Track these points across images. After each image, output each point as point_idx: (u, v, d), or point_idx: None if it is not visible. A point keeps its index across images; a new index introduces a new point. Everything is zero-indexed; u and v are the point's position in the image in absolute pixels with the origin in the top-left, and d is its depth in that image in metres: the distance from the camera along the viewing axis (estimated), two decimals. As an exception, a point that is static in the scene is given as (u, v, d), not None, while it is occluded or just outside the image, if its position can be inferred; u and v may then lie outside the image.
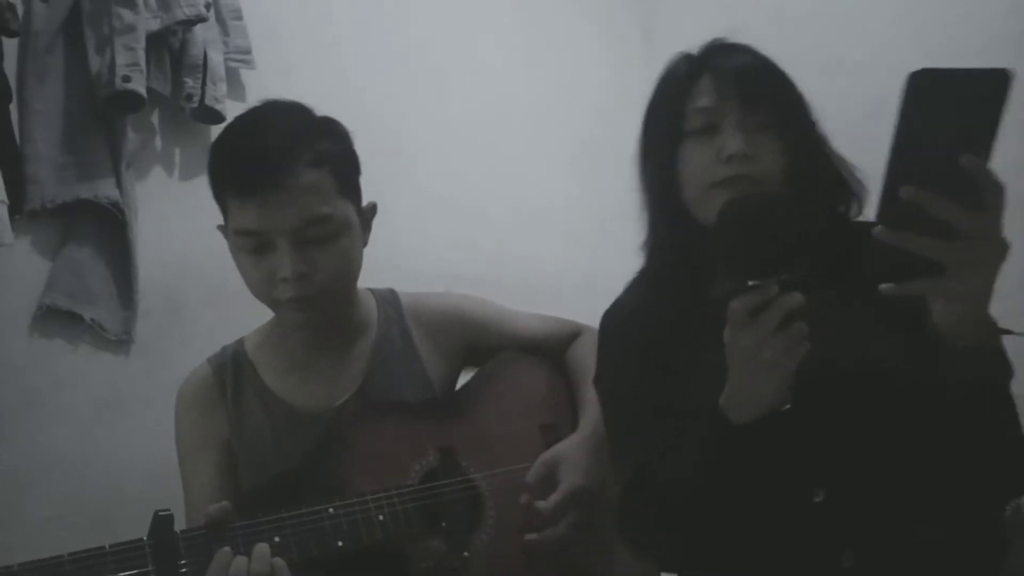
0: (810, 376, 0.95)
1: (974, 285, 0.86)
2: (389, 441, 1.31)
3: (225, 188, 1.27)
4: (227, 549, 1.10)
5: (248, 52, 2.08)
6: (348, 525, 1.19)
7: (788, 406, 0.96)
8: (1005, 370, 0.97)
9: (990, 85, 0.81)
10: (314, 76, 2.14)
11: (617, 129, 2.68)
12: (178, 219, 1.99)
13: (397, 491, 1.25)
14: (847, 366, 1.04)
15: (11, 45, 1.79)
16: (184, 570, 1.08)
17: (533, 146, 2.57)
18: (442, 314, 1.47)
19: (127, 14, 1.82)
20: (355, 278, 1.35)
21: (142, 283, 1.91)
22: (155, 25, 1.87)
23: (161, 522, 1.09)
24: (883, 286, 0.87)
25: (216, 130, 2.03)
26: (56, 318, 1.84)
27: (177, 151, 2.04)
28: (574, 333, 1.56)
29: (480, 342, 1.49)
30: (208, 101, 1.96)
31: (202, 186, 2.01)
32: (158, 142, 2.02)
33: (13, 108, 1.79)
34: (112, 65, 1.80)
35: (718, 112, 1.10)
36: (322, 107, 1.35)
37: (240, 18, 2.07)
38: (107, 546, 1.06)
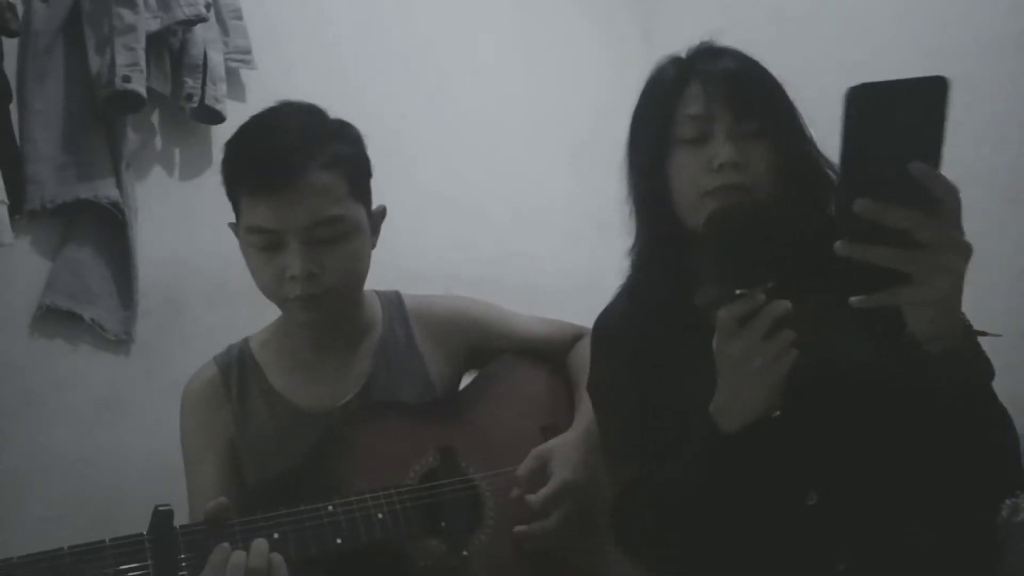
0: (801, 380, 0.96)
1: (940, 290, 0.86)
2: (389, 441, 1.32)
3: (239, 186, 1.28)
4: (225, 545, 1.11)
5: (248, 52, 2.08)
6: (347, 523, 1.20)
7: (778, 412, 0.97)
8: (985, 370, 0.97)
9: (929, 93, 0.82)
10: (314, 76, 2.14)
11: (617, 129, 2.68)
12: (178, 219, 1.99)
13: (396, 490, 1.26)
14: (837, 370, 1.04)
15: (11, 45, 1.79)
16: (183, 565, 1.09)
17: (533, 146, 2.58)
18: (445, 316, 1.49)
19: (127, 14, 1.82)
20: (362, 279, 1.36)
21: (142, 283, 1.91)
22: (155, 25, 1.87)
23: (161, 517, 1.10)
24: (852, 299, 0.88)
25: (217, 130, 2.03)
26: (56, 318, 1.84)
27: (177, 151, 2.04)
28: (576, 336, 1.57)
29: (483, 344, 1.50)
30: (208, 101, 1.96)
31: (202, 186, 2.04)
32: (158, 142, 2.02)
33: (13, 108, 1.79)
34: (112, 65, 1.80)
35: (708, 120, 1.11)
36: (322, 107, 1.35)
37: (240, 18, 2.07)
38: (107, 540, 1.07)
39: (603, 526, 1.43)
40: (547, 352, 1.54)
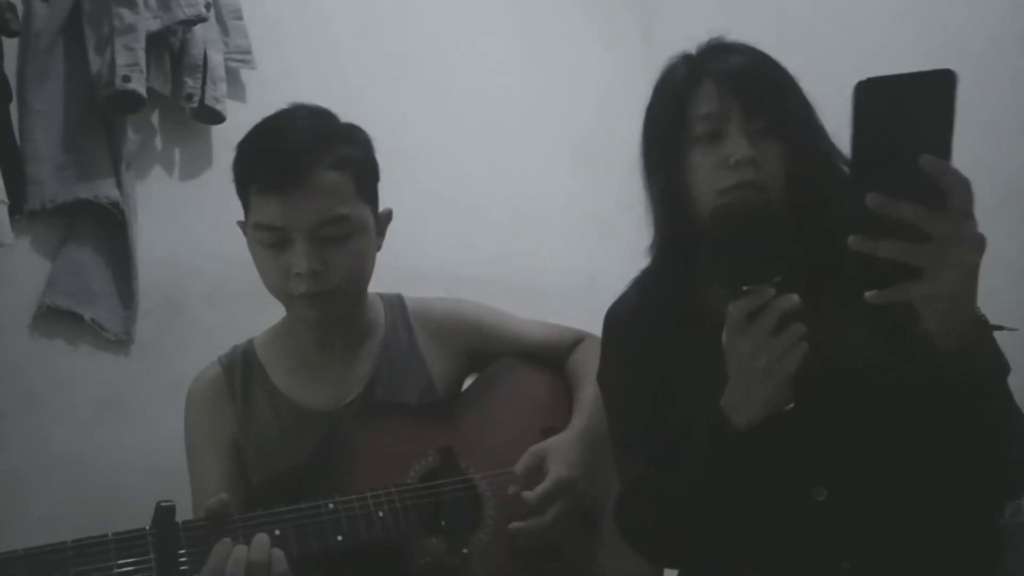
0: (812, 375, 0.96)
1: (953, 284, 0.86)
2: (390, 441, 1.33)
3: (249, 183, 1.30)
4: (227, 540, 1.12)
5: (248, 52, 2.08)
6: (347, 521, 1.21)
7: (791, 406, 0.97)
8: (1001, 366, 0.97)
9: (937, 86, 0.82)
10: (314, 76, 2.14)
11: (617, 129, 2.68)
12: (178, 219, 1.99)
13: (396, 489, 1.27)
14: (848, 365, 1.04)
15: (11, 45, 1.79)
16: (184, 560, 1.10)
17: (533, 146, 2.58)
18: (447, 319, 1.50)
19: (127, 14, 1.82)
20: (367, 279, 1.38)
21: (142, 283, 1.91)
22: (155, 25, 1.87)
23: (163, 513, 1.11)
24: (866, 294, 0.87)
25: (217, 130, 2.03)
26: (56, 318, 1.84)
27: (177, 151, 2.04)
28: (576, 340, 1.58)
29: (484, 347, 1.51)
30: (208, 101, 1.96)
31: (202, 186, 2.04)
32: (158, 142, 2.02)
33: (13, 108, 1.79)
34: (112, 65, 1.80)
35: (721, 118, 1.10)
36: (331, 110, 1.36)
37: (240, 18, 2.07)
38: (110, 534, 1.08)
39: (601, 523, 1.43)
40: (547, 356, 1.55)
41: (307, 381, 1.39)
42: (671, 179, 1.14)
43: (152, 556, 1.08)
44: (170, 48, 1.94)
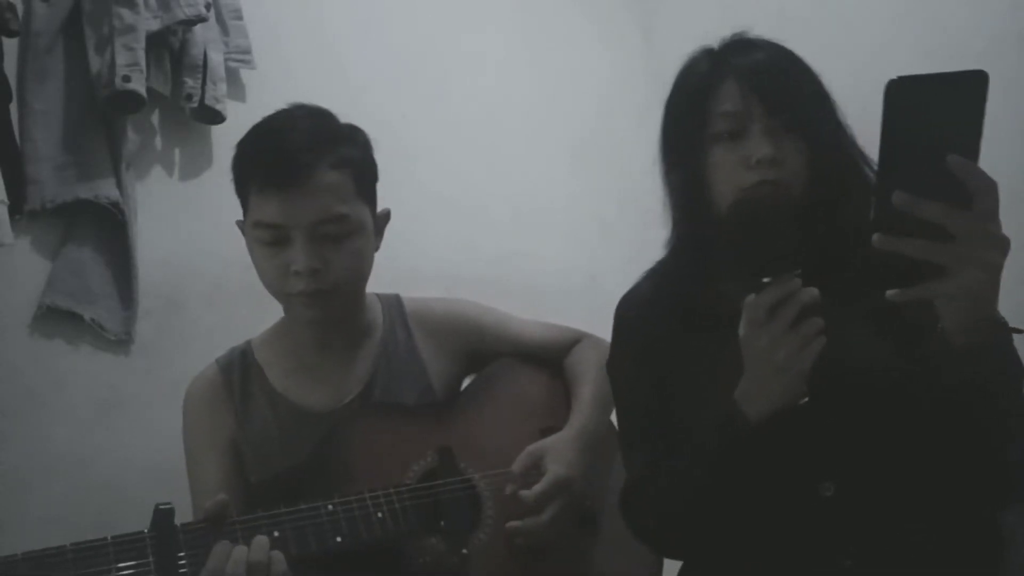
0: (824, 371, 0.96)
1: (976, 284, 0.86)
2: (389, 442, 1.33)
3: (248, 182, 1.31)
4: (226, 542, 1.12)
5: (248, 52, 2.08)
6: (346, 522, 1.21)
7: (805, 400, 0.97)
8: (1017, 367, 0.97)
9: (968, 86, 0.82)
10: (314, 76, 2.14)
11: (617, 129, 2.70)
12: (178, 219, 1.99)
13: (395, 489, 1.27)
14: (860, 362, 1.04)
15: (11, 45, 1.79)
16: (183, 562, 1.10)
17: (533, 146, 2.58)
18: (445, 319, 1.50)
19: (127, 14, 1.82)
20: (365, 278, 1.38)
21: (142, 283, 1.91)
22: (155, 25, 1.87)
23: (162, 515, 1.11)
24: (889, 292, 0.87)
25: (217, 130, 2.03)
26: (56, 318, 1.84)
27: (177, 151, 2.04)
28: (574, 340, 1.58)
29: (482, 347, 1.51)
30: (208, 101, 1.96)
31: (202, 186, 2.04)
32: (158, 142, 2.02)
33: (13, 108, 1.79)
34: (112, 65, 1.80)
35: (743, 116, 1.10)
36: (322, 107, 1.36)
37: (240, 18, 2.07)
38: (109, 538, 1.08)
39: (601, 522, 1.43)
40: (545, 355, 1.55)
41: (305, 382, 1.39)
42: (691, 176, 1.14)
43: (151, 559, 1.08)
44: (170, 48, 1.94)
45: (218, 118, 1.99)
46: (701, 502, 1.06)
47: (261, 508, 1.18)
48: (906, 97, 0.83)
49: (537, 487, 1.34)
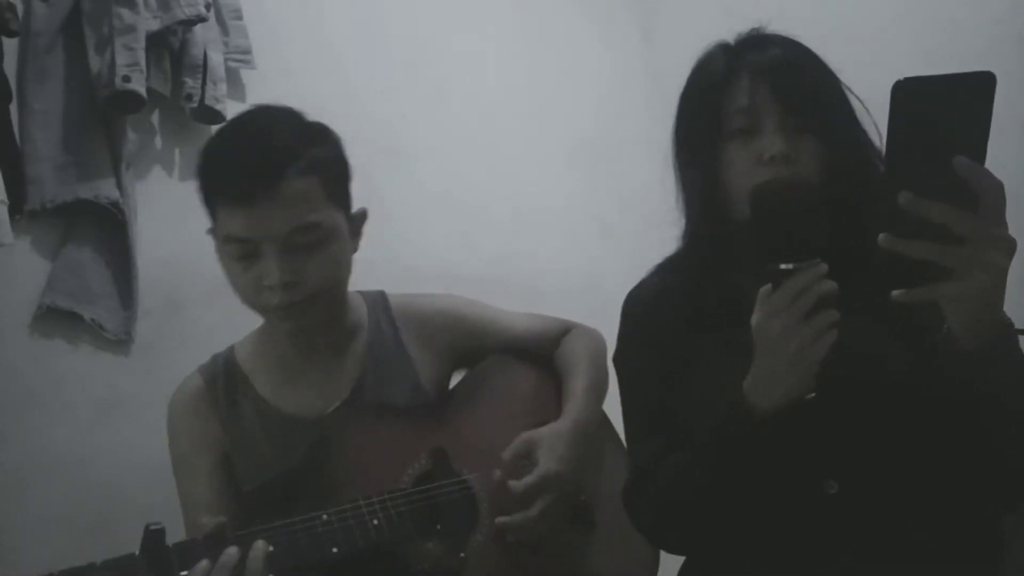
0: (833, 369, 0.95)
1: (983, 285, 0.85)
2: (381, 446, 1.31)
3: (214, 196, 1.26)
4: (233, 549, 1.09)
5: (248, 52, 2.08)
6: (342, 531, 1.19)
7: (813, 395, 0.96)
8: (1021, 371, 0.97)
9: (975, 87, 0.82)
10: (314, 76, 2.14)
11: (617, 129, 2.70)
12: (178, 219, 1.99)
13: (390, 495, 1.25)
14: (868, 361, 1.04)
15: (11, 45, 1.79)
16: None
17: (533, 146, 2.57)
18: (432, 316, 1.47)
19: (127, 14, 1.82)
20: (343, 284, 1.34)
21: (142, 283, 1.91)
22: (155, 25, 1.87)
23: (152, 536, 1.08)
24: (894, 292, 0.87)
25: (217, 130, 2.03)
26: (56, 318, 1.84)
27: (177, 151, 2.04)
28: (565, 330, 1.56)
29: (470, 342, 1.49)
30: (208, 101, 1.96)
31: (202, 186, 2.03)
32: (158, 142, 2.02)
33: (13, 108, 1.79)
34: (112, 65, 1.80)
35: (758, 113, 1.09)
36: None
37: (240, 18, 2.07)
38: (98, 562, 1.04)
39: (597, 518, 1.42)
40: (535, 347, 1.53)
41: (293, 388, 1.37)
42: (704, 173, 1.13)
43: None
44: (170, 48, 1.94)
45: (218, 118, 1.99)
46: (704, 498, 1.06)
47: (255, 517, 1.16)
48: (913, 98, 0.83)
49: (526, 479, 1.32)
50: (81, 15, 1.85)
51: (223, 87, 1.99)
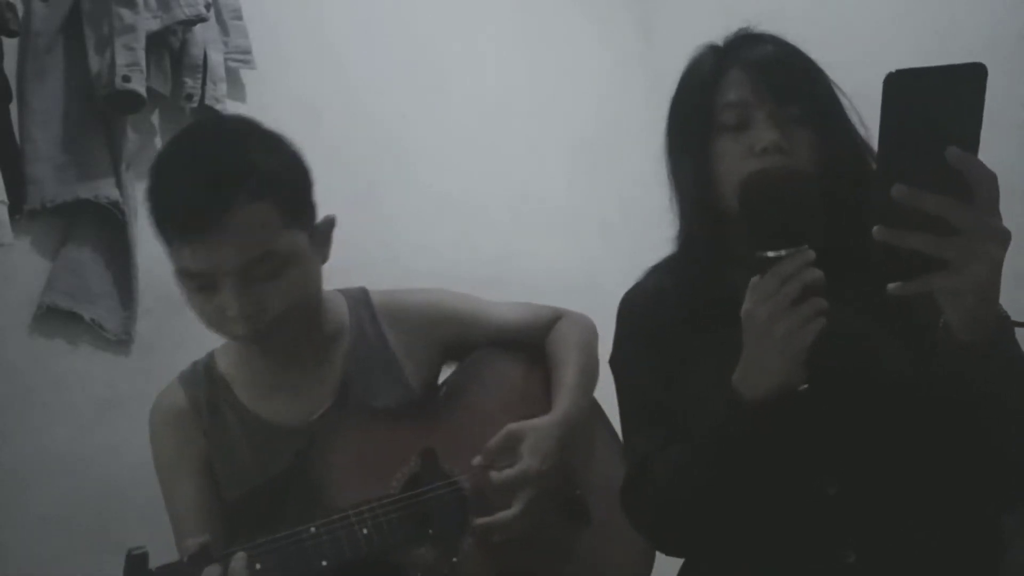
0: (828, 366, 0.95)
1: (979, 277, 0.85)
2: (369, 450, 1.28)
3: (162, 225, 1.19)
4: (215, 569, 1.08)
5: (248, 52, 2.08)
6: (331, 543, 1.16)
7: (805, 387, 0.95)
8: (1021, 362, 0.96)
9: (967, 79, 0.82)
10: (314, 76, 2.14)
11: (617, 129, 2.70)
12: (178, 219, 1.99)
13: (379, 502, 1.22)
14: (865, 358, 1.04)
15: (11, 45, 1.79)
16: None
17: (533, 146, 2.58)
18: (416, 311, 1.43)
19: (127, 14, 1.82)
20: (313, 300, 1.29)
21: (142, 283, 1.91)
22: (155, 25, 1.87)
23: (134, 562, 1.05)
24: (890, 285, 0.87)
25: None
26: (56, 318, 1.84)
27: (177, 151, 2.04)
28: (554, 319, 1.52)
29: (458, 336, 1.45)
30: (208, 101, 1.97)
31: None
32: (158, 142, 2.01)
33: (13, 108, 1.79)
34: (112, 65, 1.80)
35: (749, 106, 1.09)
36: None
37: (240, 18, 2.07)
38: None
39: (593, 514, 1.41)
40: (525, 339, 1.49)
41: (275, 397, 1.32)
42: (697, 169, 1.13)
43: None
44: (170, 48, 1.94)
45: (218, 118, 1.99)
46: (703, 497, 1.06)
47: (242, 527, 1.13)
48: (905, 90, 0.82)
49: (508, 472, 1.29)
50: (81, 15, 1.85)
51: (223, 87, 1.99)
